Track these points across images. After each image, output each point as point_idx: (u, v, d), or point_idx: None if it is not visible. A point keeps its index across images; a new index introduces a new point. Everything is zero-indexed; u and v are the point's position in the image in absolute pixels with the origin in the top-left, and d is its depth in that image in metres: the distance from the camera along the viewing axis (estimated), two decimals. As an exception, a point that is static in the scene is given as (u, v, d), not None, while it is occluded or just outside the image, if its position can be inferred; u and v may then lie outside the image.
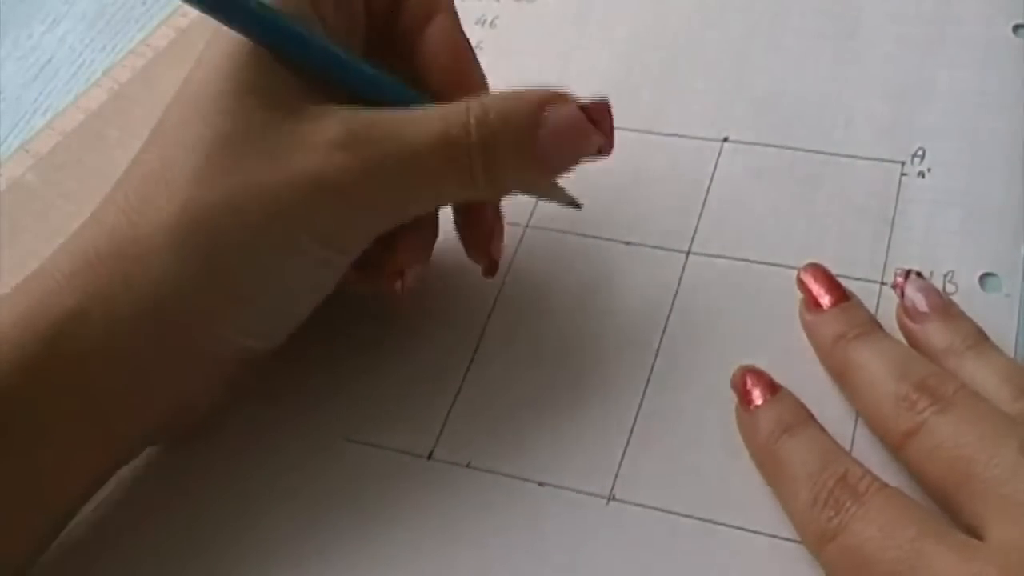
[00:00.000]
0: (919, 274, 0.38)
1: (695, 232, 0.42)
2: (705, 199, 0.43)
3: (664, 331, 0.40)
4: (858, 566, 0.31)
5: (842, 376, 0.37)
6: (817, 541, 0.32)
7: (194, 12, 0.34)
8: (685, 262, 0.42)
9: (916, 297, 0.37)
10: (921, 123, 0.43)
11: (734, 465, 0.36)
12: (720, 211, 0.43)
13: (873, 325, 0.37)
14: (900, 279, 0.38)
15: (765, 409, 0.36)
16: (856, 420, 0.36)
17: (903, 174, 0.42)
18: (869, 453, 0.35)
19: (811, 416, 0.36)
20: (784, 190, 0.43)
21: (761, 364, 0.38)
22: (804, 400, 0.36)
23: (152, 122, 0.37)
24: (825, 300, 0.38)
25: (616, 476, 0.37)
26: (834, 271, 0.39)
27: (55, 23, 0.62)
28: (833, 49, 0.47)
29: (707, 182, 0.44)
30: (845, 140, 0.44)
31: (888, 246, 0.40)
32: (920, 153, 0.43)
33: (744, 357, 0.38)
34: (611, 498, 0.37)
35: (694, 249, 0.42)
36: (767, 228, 0.42)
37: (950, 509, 0.32)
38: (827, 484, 0.33)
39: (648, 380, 0.39)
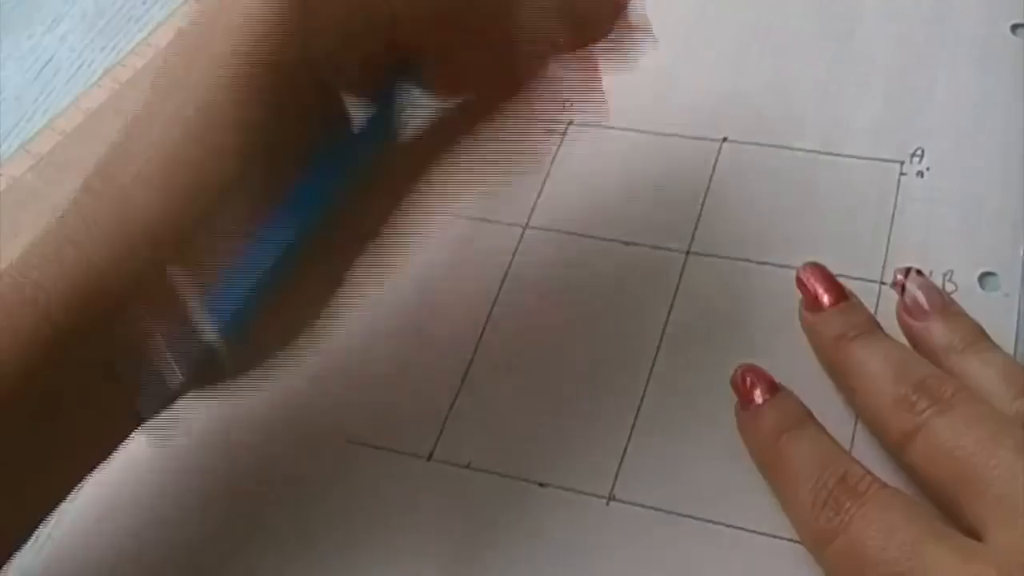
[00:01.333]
0: (919, 272, 0.38)
1: (694, 232, 0.42)
2: (704, 199, 0.43)
3: (664, 331, 0.40)
4: (858, 566, 0.31)
5: (841, 376, 0.36)
6: (817, 542, 0.32)
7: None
8: (684, 262, 0.41)
9: (917, 295, 0.37)
10: (920, 123, 0.43)
11: (734, 465, 0.36)
12: (719, 211, 0.43)
13: (872, 325, 0.37)
14: (900, 276, 0.37)
15: (765, 409, 0.36)
16: (856, 420, 0.36)
17: (902, 174, 0.42)
18: (869, 453, 0.35)
19: (811, 416, 0.35)
20: (783, 190, 0.43)
21: (761, 364, 0.37)
22: (804, 400, 0.36)
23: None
24: (824, 300, 0.37)
25: (616, 476, 0.37)
26: (833, 271, 0.39)
27: (55, 23, 0.61)
28: (832, 49, 0.46)
29: (706, 182, 0.43)
30: (844, 140, 0.43)
31: (887, 246, 0.40)
32: (919, 153, 0.42)
33: (744, 357, 0.38)
34: (611, 498, 0.36)
35: (693, 249, 0.42)
36: (766, 228, 0.42)
37: (950, 510, 0.32)
38: (827, 484, 0.32)
39: (648, 380, 0.39)
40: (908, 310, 0.37)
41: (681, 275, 0.41)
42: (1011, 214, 0.40)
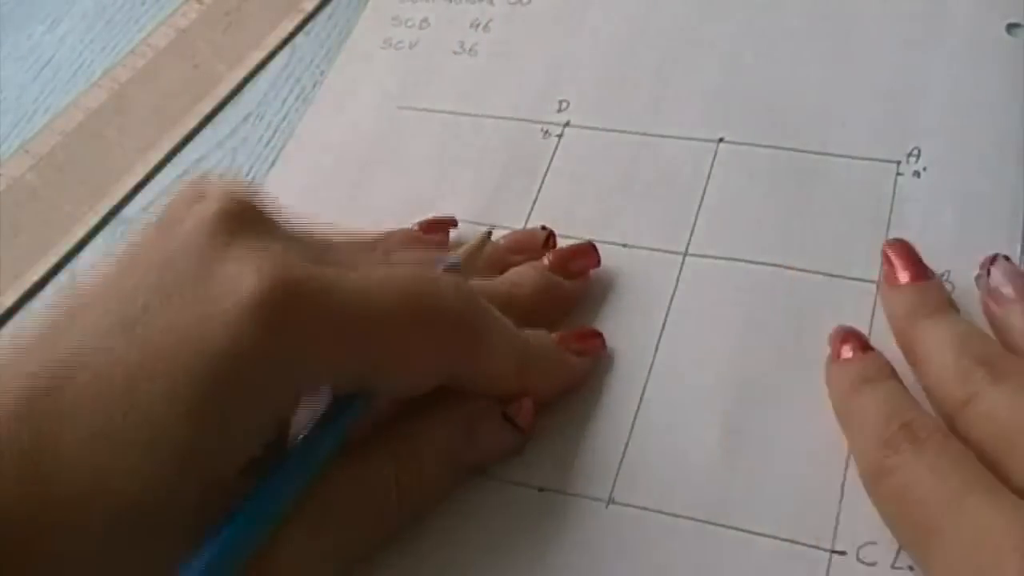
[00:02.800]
0: (1007, 258, 0.37)
1: (692, 233, 0.41)
2: (701, 200, 0.42)
3: (662, 333, 0.39)
4: (903, 504, 0.31)
5: (909, 350, 0.36)
6: (872, 476, 0.33)
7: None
8: (682, 263, 0.41)
9: (1001, 281, 0.36)
10: (916, 122, 0.42)
11: (733, 466, 0.35)
12: (716, 212, 0.42)
13: (947, 306, 0.36)
14: (987, 261, 0.37)
15: (853, 362, 0.36)
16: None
17: (898, 173, 0.41)
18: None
19: (895, 375, 0.35)
20: (780, 190, 0.42)
21: (758, 364, 0.37)
22: (802, 396, 0.36)
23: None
24: (904, 276, 0.37)
25: (615, 479, 0.36)
26: (830, 271, 0.38)
27: (55, 23, 0.61)
28: (828, 49, 0.45)
29: (703, 183, 0.43)
30: (840, 140, 0.43)
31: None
32: (915, 152, 0.41)
33: (741, 357, 0.37)
34: (611, 501, 0.36)
35: (691, 251, 0.41)
36: (763, 229, 0.41)
37: (1000, 475, 0.31)
38: (892, 427, 0.32)
39: (646, 382, 0.38)
40: (991, 296, 0.36)
41: (678, 277, 0.40)
42: (1008, 213, 0.39)
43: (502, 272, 0.40)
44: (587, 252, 0.41)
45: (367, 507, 0.34)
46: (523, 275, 0.40)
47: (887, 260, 0.38)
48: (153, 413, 0.29)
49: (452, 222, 0.43)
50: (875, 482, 0.32)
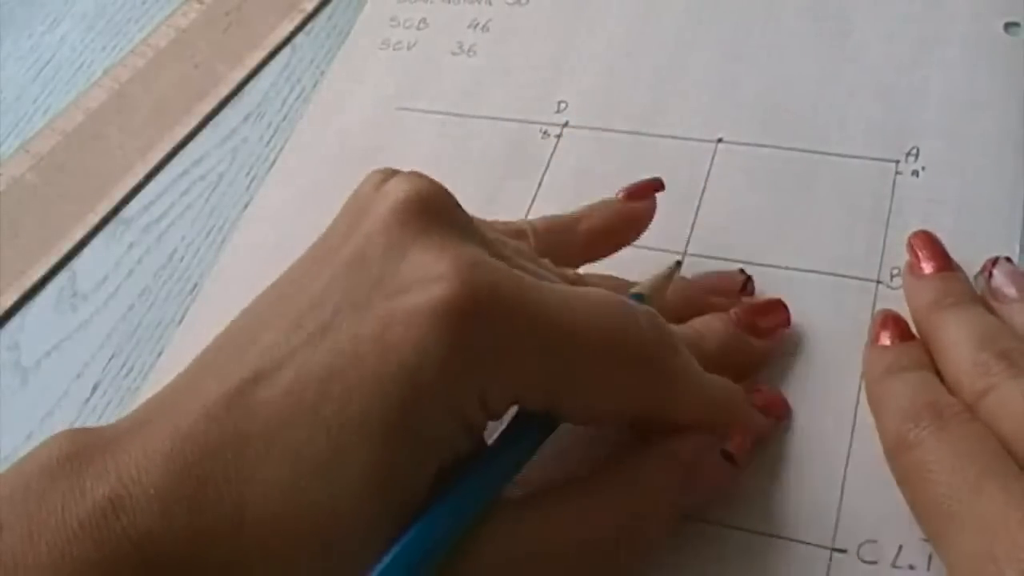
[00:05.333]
0: (1008, 259, 0.37)
1: (691, 233, 0.41)
2: (700, 200, 0.42)
3: (661, 332, 0.39)
4: (922, 479, 0.31)
5: (930, 339, 0.35)
6: (894, 450, 0.32)
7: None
8: (681, 263, 0.40)
9: (1004, 282, 0.36)
10: (914, 122, 0.42)
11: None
12: (715, 212, 0.42)
13: (969, 297, 0.36)
14: (989, 263, 0.37)
15: (889, 349, 0.35)
16: (854, 419, 0.35)
17: (897, 173, 0.41)
18: (868, 445, 0.34)
19: (931, 365, 0.35)
20: (778, 190, 0.42)
21: (755, 362, 0.37)
22: (800, 400, 0.36)
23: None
24: (927, 267, 0.37)
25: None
26: (830, 270, 0.38)
27: (55, 23, 0.61)
28: (826, 48, 0.45)
29: (702, 183, 0.42)
30: (839, 139, 0.42)
31: (883, 245, 0.39)
32: (914, 152, 0.41)
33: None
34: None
35: (690, 250, 0.41)
36: (762, 228, 0.41)
37: (1017, 464, 0.31)
38: (916, 404, 0.32)
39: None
40: (994, 295, 0.36)
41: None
42: (1007, 212, 0.39)
43: (691, 311, 0.37)
44: (778, 309, 0.38)
45: (586, 566, 0.32)
46: (710, 328, 0.36)
47: (911, 251, 0.37)
48: (345, 430, 0.28)
49: (659, 185, 0.40)
50: (896, 455, 0.32)
